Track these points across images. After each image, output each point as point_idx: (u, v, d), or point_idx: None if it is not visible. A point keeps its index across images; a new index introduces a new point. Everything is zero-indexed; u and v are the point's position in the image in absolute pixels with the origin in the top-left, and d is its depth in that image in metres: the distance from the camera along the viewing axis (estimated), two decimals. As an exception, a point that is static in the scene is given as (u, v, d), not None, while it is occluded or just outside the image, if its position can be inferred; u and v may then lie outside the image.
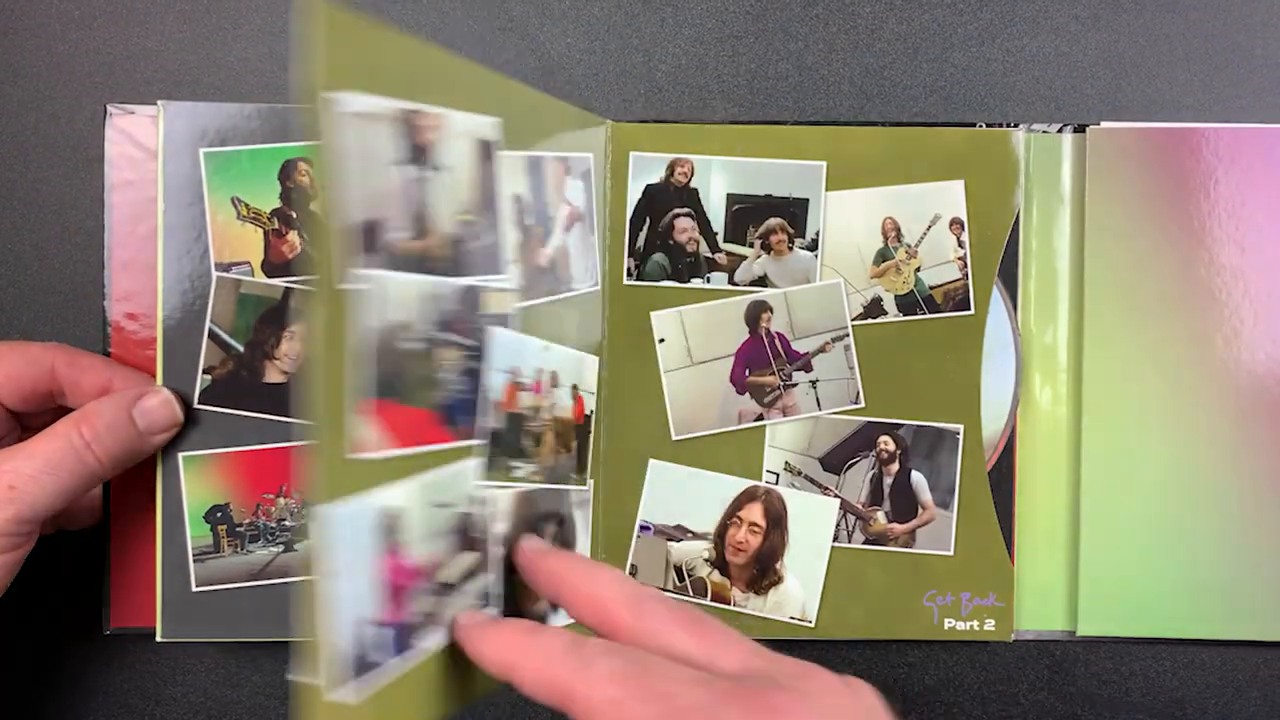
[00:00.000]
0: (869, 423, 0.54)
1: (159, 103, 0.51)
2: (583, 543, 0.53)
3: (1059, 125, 0.54)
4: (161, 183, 0.51)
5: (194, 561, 0.51)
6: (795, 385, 0.54)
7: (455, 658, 0.41)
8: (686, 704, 0.34)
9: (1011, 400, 0.54)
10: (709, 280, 0.54)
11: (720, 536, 0.54)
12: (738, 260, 0.54)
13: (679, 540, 0.54)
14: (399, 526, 0.39)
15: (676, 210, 0.54)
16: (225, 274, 0.51)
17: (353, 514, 0.37)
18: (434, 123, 0.41)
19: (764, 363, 0.54)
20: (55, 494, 0.46)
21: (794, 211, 0.53)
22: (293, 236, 0.52)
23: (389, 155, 0.39)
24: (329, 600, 0.36)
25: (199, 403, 0.51)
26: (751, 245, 0.54)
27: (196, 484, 0.52)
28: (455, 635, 0.41)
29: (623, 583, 0.40)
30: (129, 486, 0.53)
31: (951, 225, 0.53)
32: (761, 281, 0.54)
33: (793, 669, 0.37)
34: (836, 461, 0.54)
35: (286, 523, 0.52)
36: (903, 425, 0.54)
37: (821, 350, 0.54)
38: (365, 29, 0.36)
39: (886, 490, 0.54)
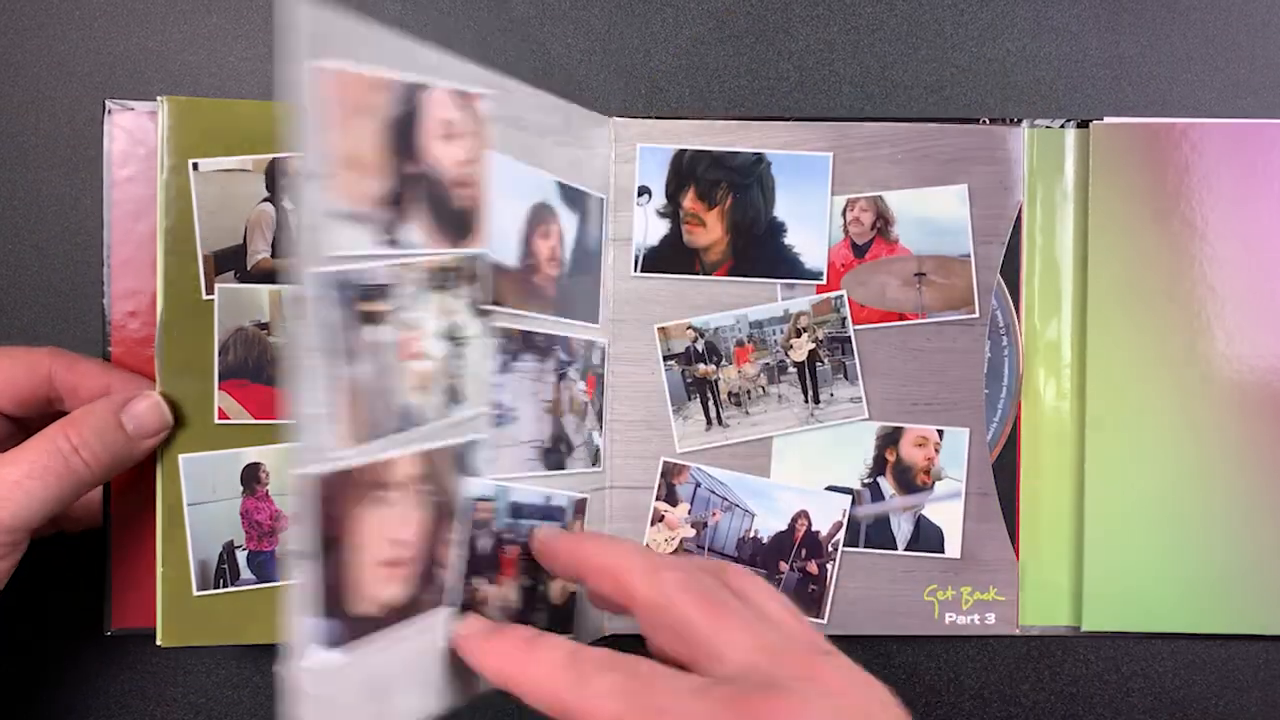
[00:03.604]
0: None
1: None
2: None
3: (1062, 120, 0.54)
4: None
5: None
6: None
7: None
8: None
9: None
10: None
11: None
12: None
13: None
14: (260, 477, 0.51)
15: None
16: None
17: (218, 461, 0.51)
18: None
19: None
20: (42, 501, 0.46)
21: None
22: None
23: (255, 195, 0.51)
24: (198, 520, 0.50)
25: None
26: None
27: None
28: (454, 644, 0.42)
29: (641, 553, 0.40)
30: (130, 488, 0.52)
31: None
32: None
33: (798, 666, 0.37)
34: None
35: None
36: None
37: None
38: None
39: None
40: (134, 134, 0.52)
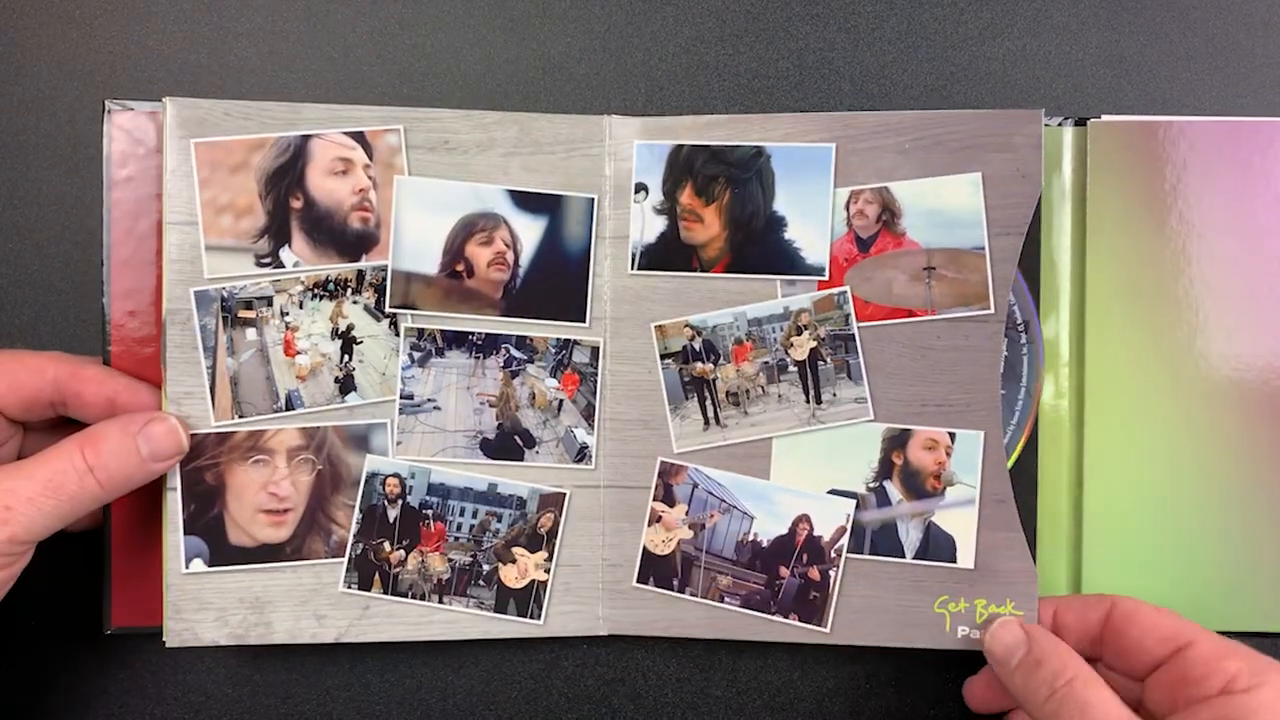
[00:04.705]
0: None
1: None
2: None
3: (1060, 119, 0.54)
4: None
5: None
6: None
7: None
8: None
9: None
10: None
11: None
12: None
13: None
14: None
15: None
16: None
17: None
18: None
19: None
20: (53, 517, 0.46)
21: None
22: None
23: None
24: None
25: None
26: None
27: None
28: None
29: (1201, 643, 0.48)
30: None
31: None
32: None
33: None
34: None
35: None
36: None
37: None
38: None
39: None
40: (133, 134, 0.52)
